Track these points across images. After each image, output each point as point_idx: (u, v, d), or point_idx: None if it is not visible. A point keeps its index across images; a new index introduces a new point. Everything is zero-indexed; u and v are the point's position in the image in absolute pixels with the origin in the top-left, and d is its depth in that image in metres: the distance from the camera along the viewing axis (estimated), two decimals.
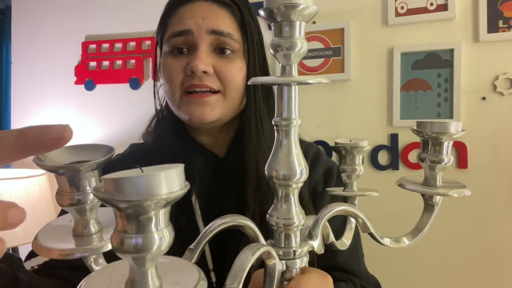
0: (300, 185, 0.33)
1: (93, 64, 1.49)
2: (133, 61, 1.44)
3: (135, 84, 1.43)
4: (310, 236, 0.35)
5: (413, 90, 1.14)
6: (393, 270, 1.17)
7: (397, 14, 1.14)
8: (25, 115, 1.59)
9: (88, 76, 1.49)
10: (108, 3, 1.48)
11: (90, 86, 1.49)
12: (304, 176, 0.32)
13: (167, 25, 0.62)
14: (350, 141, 0.42)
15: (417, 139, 1.22)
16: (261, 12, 0.29)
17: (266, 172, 0.33)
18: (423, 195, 0.39)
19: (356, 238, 0.69)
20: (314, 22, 1.23)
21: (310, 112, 1.24)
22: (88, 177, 0.27)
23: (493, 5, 1.07)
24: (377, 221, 1.25)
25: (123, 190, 0.18)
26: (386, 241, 0.40)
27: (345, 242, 0.44)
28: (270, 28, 0.30)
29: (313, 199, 0.66)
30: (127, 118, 1.44)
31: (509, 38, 1.06)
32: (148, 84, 1.43)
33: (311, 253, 0.38)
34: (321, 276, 0.39)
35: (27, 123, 1.59)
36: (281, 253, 0.33)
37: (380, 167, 1.17)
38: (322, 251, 0.37)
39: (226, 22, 0.59)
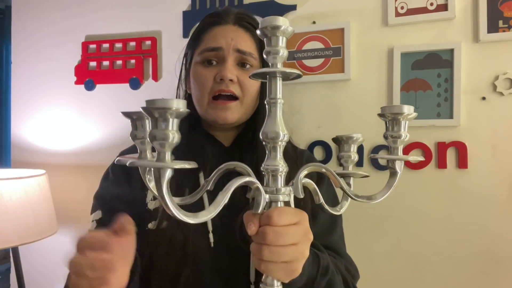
0: (282, 144, 0.46)
1: (93, 64, 1.49)
2: (133, 61, 1.44)
3: (135, 84, 1.43)
4: (291, 183, 0.49)
5: (413, 90, 1.14)
6: (392, 270, 1.17)
7: (397, 14, 1.15)
8: (25, 115, 1.59)
9: (88, 76, 1.49)
10: (108, 3, 1.48)
11: (90, 86, 1.49)
12: (286, 138, 0.46)
13: (201, 40, 0.78)
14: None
15: (417, 139, 1.22)
16: (258, 32, 0.44)
17: (261, 136, 0.46)
18: (388, 164, 0.51)
19: (341, 225, 0.82)
20: (314, 22, 1.23)
21: (310, 112, 1.24)
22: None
23: (493, 5, 1.07)
24: (377, 220, 1.26)
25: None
26: (360, 198, 0.51)
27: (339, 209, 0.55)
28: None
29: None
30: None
31: (509, 38, 1.06)
32: (148, 84, 1.43)
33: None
34: (297, 210, 0.50)
35: (27, 123, 1.59)
36: (268, 190, 0.47)
37: (380, 167, 1.17)
38: (301, 196, 0.48)
39: (248, 44, 0.76)
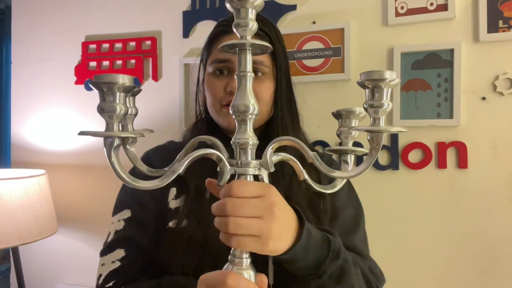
0: (252, 117, 0.46)
1: (93, 64, 1.49)
2: (133, 61, 1.44)
3: (135, 84, 1.43)
4: (260, 157, 0.47)
5: (413, 90, 1.14)
6: (392, 270, 1.17)
7: (397, 14, 1.15)
8: (25, 115, 1.59)
9: (88, 76, 1.49)
10: (108, 3, 1.48)
11: (90, 86, 1.49)
12: (256, 111, 0.46)
13: (211, 50, 0.80)
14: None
15: (417, 139, 1.22)
16: (227, 4, 0.43)
17: (230, 109, 0.46)
18: (368, 136, 0.46)
19: (364, 227, 0.81)
20: (314, 22, 1.23)
21: (310, 112, 1.24)
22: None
23: (493, 5, 1.07)
24: (377, 220, 1.26)
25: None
26: (335, 173, 0.49)
27: (335, 185, 0.52)
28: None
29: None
30: None
31: (509, 38, 1.06)
32: (148, 84, 1.43)
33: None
34: (264, 183, 0.48)
35: (27, 123, 1.59)
36: (233, 162, 0.46)
37: (380, 167, 1.17)
38: (271, 170, 0.47)
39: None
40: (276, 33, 0.80)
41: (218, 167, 0.47)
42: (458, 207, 1.12)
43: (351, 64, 1.18)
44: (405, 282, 1.17)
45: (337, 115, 0.53)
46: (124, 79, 0.38)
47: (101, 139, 0.41)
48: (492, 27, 1.07)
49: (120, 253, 0.72)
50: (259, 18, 0.80)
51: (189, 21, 1.37)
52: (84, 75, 1.49)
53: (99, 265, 0.73)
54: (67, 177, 1.51)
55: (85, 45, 1.49)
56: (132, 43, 1.43)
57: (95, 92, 1.56)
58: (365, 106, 0.43)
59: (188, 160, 0.44)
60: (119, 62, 1.46)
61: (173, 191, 0.75)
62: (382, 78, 0.41)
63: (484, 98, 1.09)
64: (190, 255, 0.67)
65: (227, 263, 0.47)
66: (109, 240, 0.76)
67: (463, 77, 1.09)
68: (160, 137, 1.44)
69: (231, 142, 0.47)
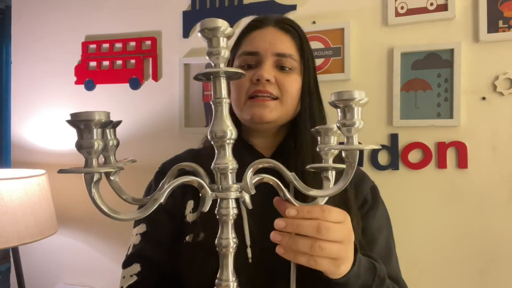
0: (231, 142, 0.46)
1: (93, 64, 1.49)
2: (133, 61, 1.44)
3: (135, 84, 1.43)
4: (241, 180, 0.48)
5: (413, 90, 1.14)
6: None
7: (397, 14, 1.14)
8: (25, 115, 1.59)
9: (88, 76, 1.49)
10: (108, 3, 1.48)
11: (90, 86, 1.49)
12: (234, 135, 0.46)
13: (240, 44, 0.78)
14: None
15: (418, 139, 1.22)
16: (199, 34, 0.44)
17: (209, 135, 0.46)
18: (342, 155, 0.47)
19: (395, 250, 0.82)
20: (314, 22, 1.23)
21: None
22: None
23: (493, 5, 1.07)
24: None
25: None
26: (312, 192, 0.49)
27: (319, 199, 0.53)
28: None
29: (364, 210, 0.78)
30: (127, 118, 1.44)
31: (509, 38, 1.06)
32: (148, 84, 1.43)
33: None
34: (342, 210, 0.51)
35: (27, 123, 1.59)
36: (215, 188, 0.46)
37: (380, 167, 1.17)
38: (251, 192, 0.47)
39: (288, 46, 0.75)
40: (304, 33, 0.79)
41: (200, 193, 0.47)
42: (458, 207, 1.12)
43: (351, 64, 1.18)
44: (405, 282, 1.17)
45: (316, 132, 0.55)
46: (100, 116, 0.39)
47: None
48: (492, 27, 1.07)
49: (136, 267, 0.73)
50: (288, 19, 0.80)
51: (189, 21, 1.37)
52: (84, 75, 1.49)
53: (121, 277, 0.75)
54: (67, 177, 1.51)
55: (85, 45, 1.49)
56: (132, 43, 1.43)
57: (95, 92, 1.56)
58: (338, 125, 0.45)
59: (170, 189, 0.44)
60: (119, 62, 1.46)
61: (190, 204, 0.75)
62: (352, 98, 0.43)
63: (484, 98, 1.09)
64: (206, 267, 0.66)
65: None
66: (128, 253, 0.77)
67: (463, 77, 1.09)
68: (160, 137, 1.45)
69: (211, 167, 0.47)
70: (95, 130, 0.40)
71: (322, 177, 0.55)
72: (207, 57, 0.45)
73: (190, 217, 0.73)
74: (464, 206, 1.11)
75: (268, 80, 0.72)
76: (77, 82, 1.50)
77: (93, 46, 1.48)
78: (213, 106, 0.46)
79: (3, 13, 2.46)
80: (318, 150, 0.55)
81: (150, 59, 1.42)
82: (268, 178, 0.49)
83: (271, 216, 0.52)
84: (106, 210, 0.43)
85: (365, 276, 0.58)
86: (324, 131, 0.54)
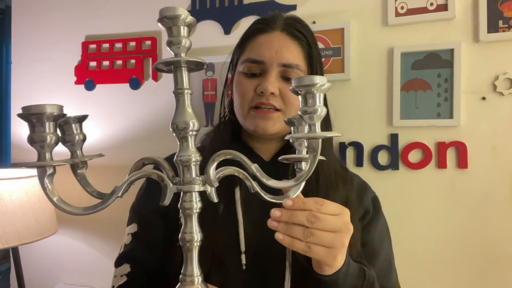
0: (193, 133, 0.44)
1: (93, 64, 1.49)
2: (133, 61, 1.44)
3: (135, 84, 1.43)
4: (203, 173, 0.46)
5: (413, 90, 1.14)
6: None
7: (397, 14, 1.14)
8: None
9: (88, 76, 1.49)
10: (108, 3, 1.48)
11: (90, 86, 1.49)
12: (196, 127, 0.44)
13: (245, 48, 0.75)
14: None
15: (418, 139, 1.22)
16: (158, 23, 0.43)
17: (170, 127, 0.44)
18: (305, 143, 0.47)
19: (394, 264, 0.82)
20: (314, 22, 1.23)
21: None
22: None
23: (493, 5, 1.07)
24: None
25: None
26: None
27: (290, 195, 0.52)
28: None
29: (365, 221, 0.77)
30: (127, 118, 1.44)
31: (509, 38, 1.06)
32: (148, 84, 1.43)
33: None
34: (339, 205, 0.53)
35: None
36: (177, 181, 0.45)
37: (380, 167, 1.17)
38: (214, 185, 0.46)
39: (295, 54, 0.72)
40: (313, 37, 0.76)
41: (161, 186, 0.46)
42: (458, 207, 1.12)
43: (351, 64, 1.18)
44: (405, 282, 1.16)
45: (289, 122, 0.54)
46: (52, 109, 0.39)
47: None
48: (492, 27, 1.06)
49: (126, 268, 0.73)
50: (298, 20, 0.76)
51: None
52: (84, 75, 1.49)
53: (113, 276, 0.75)
54: (67, 177, 1.51)
55: (85, 45, 1.49)
56: (132, 43, 1.43)
57: (95, 92, 1.56)
58: (300, 113, 0.43)
59: (128, 183, 0.44)
60: (119, 62, 1.46)
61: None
62: (313, 83, 0.41)
63: (484, 98, 1.09)
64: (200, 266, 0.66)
65: (179, 283, 0.47)
66: (120, 252, 0.77)
67: (463, 77, 1.09)
68: (160, 138, 1.44)
69: (173, 160, 0.45)
70: (47, 124, 0.40)
71: (295, 168, 0.54)
72: (168, 47, 0.44)
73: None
74: (464, 206, 1.11)
75: (272, 93, 0.70)
76: (77, 82, 1.50)
77: (93, 46, 1.48)
78: (174, 97, 0.45)
79: (3, 13, 2.46)
80: (291, 141, 0.54)
81: (150, 59, 1.42)
82: (233, 169, 0.47)
83: (268, 218, 0.52)
84: (58, 203, 0.43)
85: (354, 279, 0.59)
86: (297, 121, 0.53)
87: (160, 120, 1.42)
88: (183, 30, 0.43)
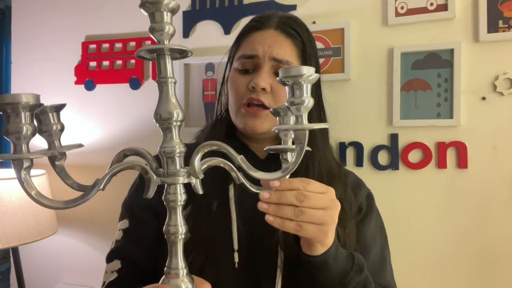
0: (177, 124, 0.43)
1: (93, 64, 1.49)
2: (133, 61, 1.44)
3: (135, 84, 1.43)
4: (188, 164, 0.45)
5: (413, 90, 1.14)
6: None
7: (397, 14, 1.14)
8: None
9: (88, 76, 1.49)
10: (108, 3, 1.48)
11: (90, 86, 1.49)
12: (180, 117, 0.42)
13: (240, 46, 0.76)
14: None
15: (418, 139, 1.22)
16: (141, 9, 0.42)
17: (154, 117, 0.43)
18: (292, 135, 0.46)
19: (389, 259, 0.82)
20: (314, 22, 1.23)
21: None
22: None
23: (493, 5, 1.07)
24: None
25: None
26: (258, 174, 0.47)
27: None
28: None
29: (358, 217, 0.78)
30: (127, 118, 1.44)
31: (509, 38, 1.06)
32: (148, 84, 1.43)
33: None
34: (323, 184, 0.53)
35: None
36: (161, 172, 0.44)
37: (380, 167, 1.17)
38: (199, 177, 0.45)
39: (287, 51, 0.72)
40: (309, 36, 0.77)
41: (145, 178, 0.45)
42: (458, 207, 1.12)
43: (351, 64, 1.18)
44: (405, 282, 1.17)
45: (275, 113, 0.53)
46: (28, 98, 0.37)
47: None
48: (492, 27, 1.06)
49: (117, 264, 0.73)
50: (293, 19, 0.76)
51: (189, 21, 1.37)
52: (84, 75, 1.49)
53: (104, 272, 0.74)
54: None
55: (85, 45, 1.49)
56: (132, 43, 1.43)
57: (95, 92, 1.56)
58: (287, 104, 0.42)
59: (110, 175, 0.43)
60: (119, 62, 1.46)
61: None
62: (300, 74, 0.40)
63: (484, 98, 1.09)
64: (192, 264, 0.65)
65: (163, 276, 0.46)
66: (111, 247, 0.77)
67: (463, 77, 1.09)
68: (160, 137, 1.44)
69: (158, 151, 0.44)
70: (23, 114, 0.37)
71: (281, 159, 0.54)
72: (150, 34, 0.42)
73: None
74: (464, 206, 1.11)
75: (263, 89, 0.70)
76: (77, 82, 1.50)
77: (93, 46, 1.48)
78: (158, 86, 0.43)
79: (3, 13, 2.46)
80: (277, 131, 0.54)
81: None
82: (219, 160, 0.46)
83: (262, 220, 0.51)
84: (35, 196, 0.42)
85: (342, 261, 0.60)
86: (283, 111, 0.52)
87: None
88: (167, 16, 0.41)
